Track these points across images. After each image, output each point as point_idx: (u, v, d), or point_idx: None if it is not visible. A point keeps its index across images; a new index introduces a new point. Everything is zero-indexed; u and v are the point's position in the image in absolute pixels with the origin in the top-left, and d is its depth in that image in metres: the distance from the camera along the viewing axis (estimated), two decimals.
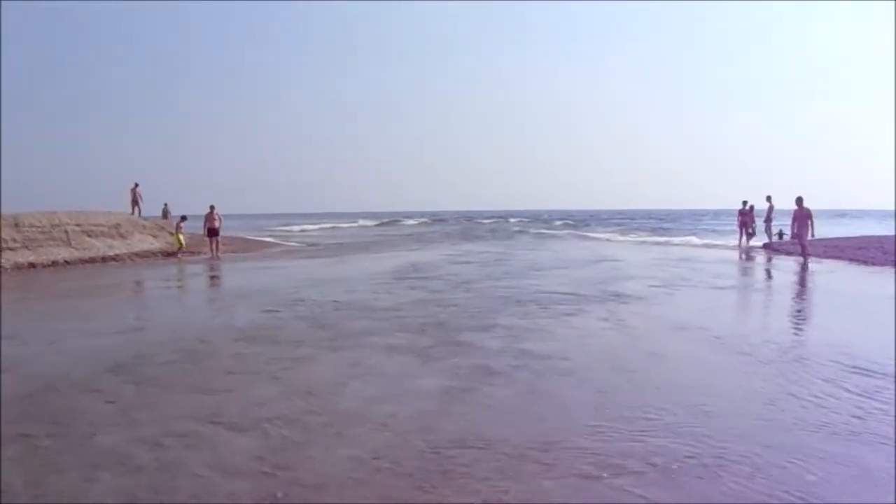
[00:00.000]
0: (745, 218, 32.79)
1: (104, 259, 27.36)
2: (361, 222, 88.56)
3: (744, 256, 28.16)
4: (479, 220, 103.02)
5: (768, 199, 31.25)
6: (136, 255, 29.00)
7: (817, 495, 4.72)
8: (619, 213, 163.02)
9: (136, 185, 34.80)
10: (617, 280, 18.62)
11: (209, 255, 30.38)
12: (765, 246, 30.92)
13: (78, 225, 28.29)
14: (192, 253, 30.99)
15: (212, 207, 30.85)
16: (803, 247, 24.50)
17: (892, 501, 4.47)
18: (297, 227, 73.13)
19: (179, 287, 19.82)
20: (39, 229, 26.56)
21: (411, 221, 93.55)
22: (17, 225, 25.94)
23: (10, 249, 25.05)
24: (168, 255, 30.44)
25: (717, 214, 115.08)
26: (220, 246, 31.22)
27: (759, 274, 22.09)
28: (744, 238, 32.72)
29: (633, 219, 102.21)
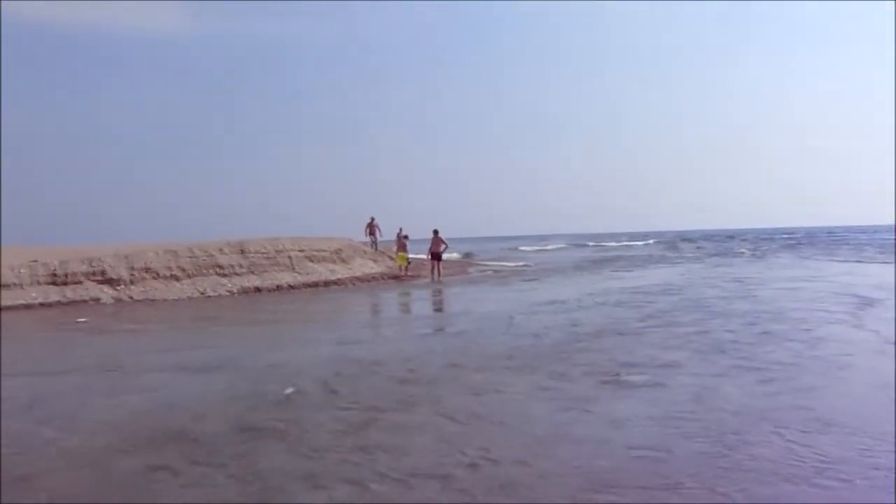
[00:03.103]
0: None
1: (326, 283, 26.66)
2: (551, 245, 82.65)
3: None
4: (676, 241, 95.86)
5: None
6: (358, 278, 28.12)
7: None
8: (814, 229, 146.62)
9: (373, 218, 34.31)
10: None
11: (429, 279, 29.06)
12: None
13: (301, 250, 27.94)
14: (412, 277, 29.89)
15: (435, 232, 29.62)
16: None
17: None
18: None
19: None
20: (264, 255, 26.34)
21: (613, 243, 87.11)
22: (242, 251, 25.87)
23: (237, 274, 24.93)
24: (393, 277, 29.45)
25: None
26: (441, 270, 29.95)
27: None
28: None
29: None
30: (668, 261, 41.23)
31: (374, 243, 33.89)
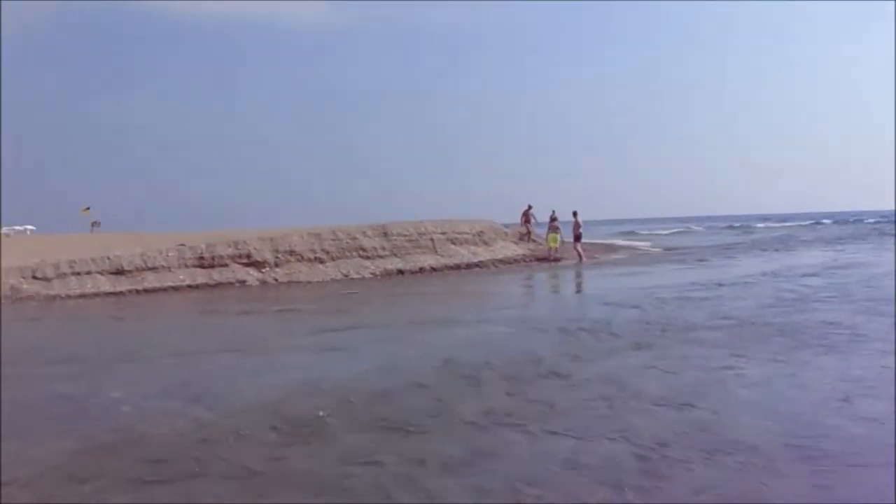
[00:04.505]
0: None
1: (468, 266, 25.38)
2: (675, 227, 77.15)
3: None
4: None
5: None
6: (500, 261, 26.70)
7: None
8: None
9: (530, 206, 32.54)
10: None
11: (573, 261, 27.37)
12: None
13: (443, 233, 26.60)
14: (557, 259, 28.21)
15: (575, 213, 28.32)
16: None
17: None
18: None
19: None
20: (406, 237, 25.18)
21: (760, 224, 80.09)
22: (385, 234, 24.87)
23: (380, 257, 23.97)
24: (538, 259, 27.94)
25: None
26: (583, 251, 28.26)
27: None
28: None
29: None
30: (826, 241, 37.81)
31: (529, 232, 32.06)
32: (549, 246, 28.47)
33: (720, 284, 16.84)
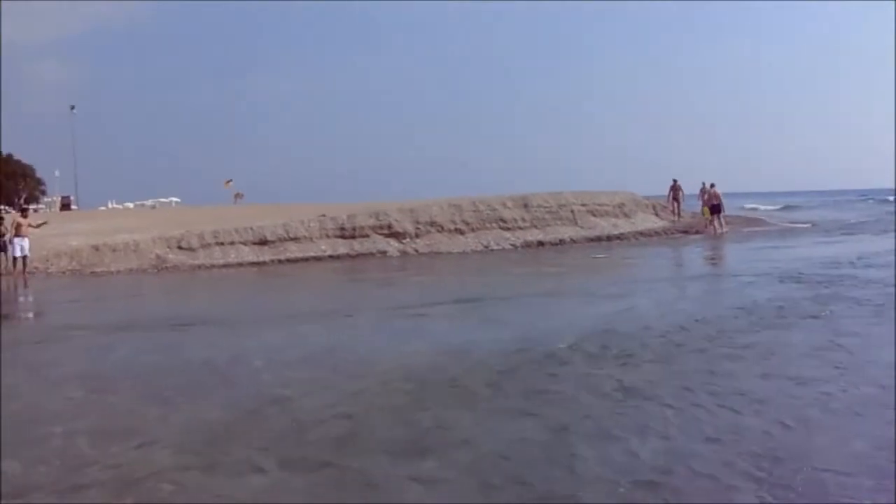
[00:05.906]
0: None
1: (609, 238, 23.74)
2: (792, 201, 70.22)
3: None
4: None
5: None
6: (641, 233, 24.88)
7: None
8: None
9: (675, 181, 30.47)
10: None
11: (713, 233, 25.36)
12: None
13: (583, 205, 25.08)
14: (699, 231, 26.19)
15: (712, 185, 26.47)
16: None
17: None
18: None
19: None
20: (547, 209, 23.86)
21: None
22: (526, 206, 23.61)
23: (520, 228, 22.75)
24: (682, 231, 25.97)
25: None
26: (724, 224, 26.20)
27: None
28: None
29: None
30: None
31: (678, 207, 29.87)
32: (705, 217, 26.60)
33: None
